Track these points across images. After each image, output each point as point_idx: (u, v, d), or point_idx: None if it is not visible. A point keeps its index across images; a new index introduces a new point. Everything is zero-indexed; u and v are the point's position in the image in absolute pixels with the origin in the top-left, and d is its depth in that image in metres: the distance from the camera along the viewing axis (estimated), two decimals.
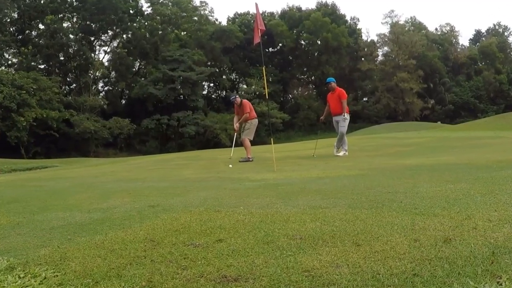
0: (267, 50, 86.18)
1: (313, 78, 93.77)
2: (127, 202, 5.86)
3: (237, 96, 16.12)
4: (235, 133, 16.01)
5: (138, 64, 77.61)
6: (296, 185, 6.71)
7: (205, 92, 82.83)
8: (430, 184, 5.75)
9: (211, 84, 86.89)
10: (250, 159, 14.69)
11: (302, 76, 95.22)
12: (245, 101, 15.89)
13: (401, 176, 6.92)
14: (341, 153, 14.90)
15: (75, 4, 66.36)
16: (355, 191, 5.56)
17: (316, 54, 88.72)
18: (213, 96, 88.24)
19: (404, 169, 8.19)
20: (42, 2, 62.99)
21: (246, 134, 15.43)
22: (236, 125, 15.57)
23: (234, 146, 17.25)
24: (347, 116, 15.07)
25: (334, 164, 10.94)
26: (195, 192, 6.57)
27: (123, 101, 76.96)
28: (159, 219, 4.43)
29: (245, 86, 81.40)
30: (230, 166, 11.43)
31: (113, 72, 73.76)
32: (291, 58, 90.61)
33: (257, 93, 73.41)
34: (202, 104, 72.00)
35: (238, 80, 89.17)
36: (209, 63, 78.39)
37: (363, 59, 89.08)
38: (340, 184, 6.46)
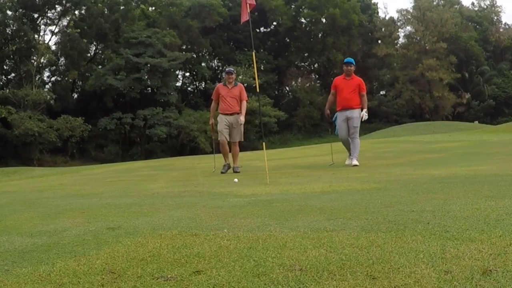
0: (258, 31, 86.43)
1: (316, 66, 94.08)
2: (80, 223, 5.85)
3: (235, 71, 15.53)
4: (213, 134, 15.31)
5: (94, 48, 77.65)
6: (295, 201, 6.72)
7: (179, 84, 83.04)
8: (465, 201, 5.78)
9: (187, 74, 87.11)
10: (238, 169, 14.47)
11: (303, 64, 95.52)
12: (242, 86, 15.20)
13: (428, 191, 6.95)
14: (355, 161, 14.23)
15: None
16: (370, 210, 5.57)
17: (320, 35, 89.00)
18: (189, 88, 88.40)
19: (432, 182, 8.23)
20: None
21: (237, 135, 14.75)
22: (212, 121, 15.13)
23: (216, 152, 16.91)
24: (366, 114, 14.63)
25: (342, 176, 10.96)
26: (166, 210, 6.57)
27: (75, 95, 76.91)
28: (121, 245, 4.42)
29: None
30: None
31: (62, 58, 73.67)
32: (288, 40, 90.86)
33: (245, 84, 73.05)
34: (176, 99, 72.02)
35: (221, 68, 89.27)
36: (184, 47, 78.50)
37: (379, 41, 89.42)
38: (350, 200, 6.48)
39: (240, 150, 15.67)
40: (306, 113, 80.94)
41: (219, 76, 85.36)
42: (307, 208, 6.03)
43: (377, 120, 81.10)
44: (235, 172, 14.22)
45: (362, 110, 14.58)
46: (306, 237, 4.28)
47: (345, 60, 15.21)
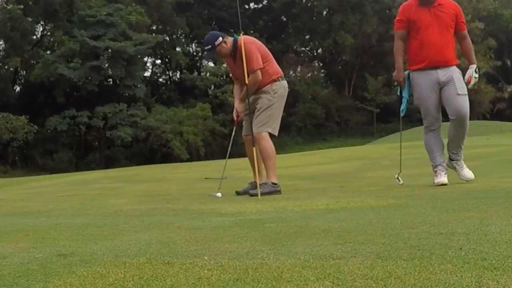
0: (246, 7, 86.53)
1: (320, 51, 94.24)
2: (24, 248, 5.83)
3: (221, 37, 10.91)
4: (234, 126, 12.01)
5: (41, 29, 77.57)
6: (293, 221, 6.71)
7: (148, 74, 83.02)
8: (506, 221, 5.77)
9: (158, 61, 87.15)
10: (277, 189, 10.86)
11: (303, 48, 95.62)
12: (247, 41, 11.14)
13: (460, 208, 6.94)
14: (467, 171, 10.40)
15: None
16: (387, 232, 5.57)
17: (325, 13, 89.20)
18: (160, 79, 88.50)
19: (465, 197, 8.23)
20: None
21: (261, 123, 11.20)
22: (238, 106, 11.60)
23: (228, 158, 13.73)
24: (477, 74, 9.74)
25: (353, 189, 10.97)
26: (132, 233, 6.55)
27: (17, 88, 76.77)
28: (75, 275, 4.40)
29: (211, 64, 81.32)
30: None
31: (1, 42, 73.56)
32: (285, 19, 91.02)
33: (231, 75, 73.23)
34: (144, 93, 71.92)
35: (200, 53, 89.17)
36: (154, 28, 78.53)
37: None
38: (363, 220, 6.47)
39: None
40: (307, 110, 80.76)
41: (198, 64, 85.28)
42: (308, 229, 6.03)
43: (396, 119, 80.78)
44: (252, 194, 10.44)
45: (470, 67, 9.82)
46: (307, 266, 4.27)
47: None
